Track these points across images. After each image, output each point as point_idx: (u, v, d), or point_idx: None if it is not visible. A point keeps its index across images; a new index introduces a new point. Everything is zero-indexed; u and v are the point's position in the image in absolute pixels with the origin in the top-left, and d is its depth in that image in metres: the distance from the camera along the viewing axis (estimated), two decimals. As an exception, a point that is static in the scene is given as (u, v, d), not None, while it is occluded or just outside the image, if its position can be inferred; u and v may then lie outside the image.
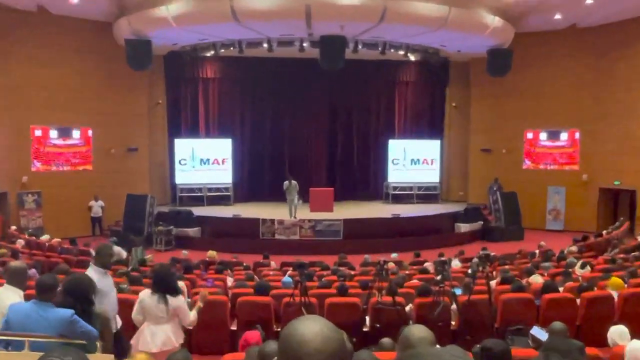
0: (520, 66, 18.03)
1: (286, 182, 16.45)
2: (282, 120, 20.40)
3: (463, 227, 17.56)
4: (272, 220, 15.94)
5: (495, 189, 18.99)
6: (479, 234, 17.86)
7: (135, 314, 4.75)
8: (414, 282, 8.45)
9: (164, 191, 19.50)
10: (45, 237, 13.12)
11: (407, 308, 6.74)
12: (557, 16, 16.90)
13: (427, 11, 14.08)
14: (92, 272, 4.99)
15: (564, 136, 19.12)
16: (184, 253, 12.92)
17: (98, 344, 3.65)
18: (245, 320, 6.45)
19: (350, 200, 20.47)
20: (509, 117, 19.50)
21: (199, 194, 19.07)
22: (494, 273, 9.70)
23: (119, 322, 5.06)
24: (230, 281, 9.05)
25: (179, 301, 4.69)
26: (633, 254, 10.56)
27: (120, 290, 6.64)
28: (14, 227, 14.75)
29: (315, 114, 20.36)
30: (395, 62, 19.77)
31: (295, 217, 16.06)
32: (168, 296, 4.67)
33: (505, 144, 19.71)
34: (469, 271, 8.52)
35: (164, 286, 4.69)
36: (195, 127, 19.98)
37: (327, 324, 1.35)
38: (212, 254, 12.16)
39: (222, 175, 19.36)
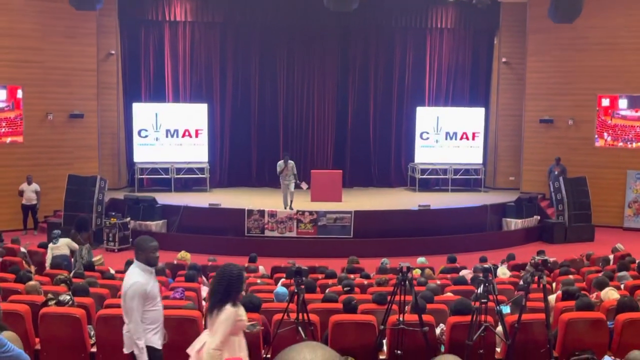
0: (593, 8, 17.93)
1: (281, 163, 16.54)
2: (276, 81, 20.44)
3: (513, 224, 17.71)
4: (261, 212, 16.14)
5: (557, 173, 19.03)
6: (534, 233, 17.98)
7: None
8: (448, 295, 8.62)
9: (117, 172, 19.66)
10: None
11: (438, 330, 6.87)
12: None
13: None
14: (137, 270, 5.47)
15: (650, 104, 18.29)
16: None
17: None
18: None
19: (364, 187, 20.73)
20: (577, 77, 19.47)
21: (165, 176, 19.19)
22: (554, 285, 9.85)
23: (166, 338, 5.55)
24: (205, 291, 9.18)
25: (221, 315, 5.09)
26: None
27: (59, 303, 6.77)
28: None
29: (320, 73, 20.41)
30: (426, 3, 19.87)
31: (291, 208, 16.22)
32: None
33: (572, 114, 19.79)
34: (521, 282, 8.97)
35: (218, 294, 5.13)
36: (159, 88, 20.03)
37: (331, 353, 1.36)
38: (183, 255, 12.43)
39: (196, 151, 19.45)
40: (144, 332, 5.34)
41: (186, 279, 9.81)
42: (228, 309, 5.06)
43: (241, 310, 5.19)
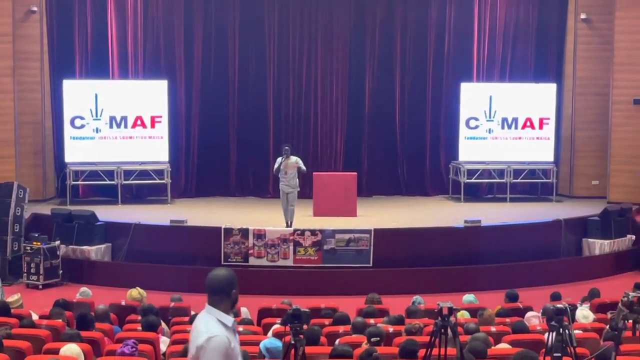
0: None
1: (280, 159, 15.64)
2: (263, 49, 19.25)
3: (598, 247, 16.62)
4: (244, 232, 15.25)
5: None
6: (627, 260, 16.94)
7: None
8: (504, 348, 8.29)
9: (42, 177, 18.49)
10: None
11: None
12: None
13: None
14: (212, 320, 4.90)
15: None
16: (83, 292, 12.37)
17: None
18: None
19: (388, 196, 19.62)
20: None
21: (109, 182, 18.26)
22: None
23: None
24: (165, 344, 9.04)
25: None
26: None
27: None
28: None
29: (326, 37, 19.27)
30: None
31: (289, 225, 15.66)
32: None
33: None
34: (607, 328, 8.70)
35: None
36: (101, 58, 18.89)
37: None
38: (135, 293, 11.96)
39: (152, 147, 18.55)
40: None
41: (142, 327, 9.34)
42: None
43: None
